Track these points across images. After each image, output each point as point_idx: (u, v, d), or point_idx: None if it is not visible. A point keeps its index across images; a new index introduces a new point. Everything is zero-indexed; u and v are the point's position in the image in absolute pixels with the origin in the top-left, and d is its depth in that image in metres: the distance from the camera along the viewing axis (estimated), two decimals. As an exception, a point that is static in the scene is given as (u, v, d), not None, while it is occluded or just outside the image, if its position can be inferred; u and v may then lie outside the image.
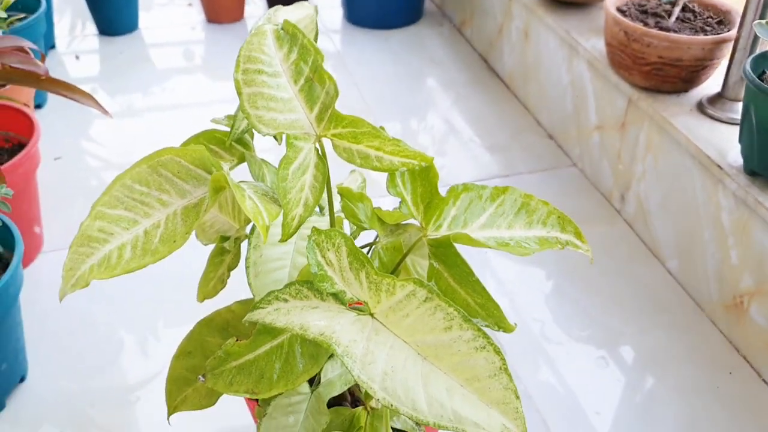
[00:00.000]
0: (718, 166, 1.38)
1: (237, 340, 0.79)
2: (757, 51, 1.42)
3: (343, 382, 0.84)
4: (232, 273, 0.96)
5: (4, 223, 1.24)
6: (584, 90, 1.80)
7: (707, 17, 1.59)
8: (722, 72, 1.53)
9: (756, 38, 1.43)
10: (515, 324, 0.78)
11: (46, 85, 1.35)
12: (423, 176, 0.77)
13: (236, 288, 0.98)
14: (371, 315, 0.67)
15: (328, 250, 0.69)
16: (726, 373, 1.37)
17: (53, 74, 2.25)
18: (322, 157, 0.75)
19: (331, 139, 0.75)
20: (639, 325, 1.46)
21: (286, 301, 0.70)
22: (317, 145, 0.75)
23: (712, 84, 1.58)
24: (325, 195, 0.81)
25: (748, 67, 1.29)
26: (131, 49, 2.48)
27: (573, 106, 1.86)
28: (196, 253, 1.03)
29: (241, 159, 0.91)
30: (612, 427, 1.27)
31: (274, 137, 0.84)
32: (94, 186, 1.84)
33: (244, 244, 0.95)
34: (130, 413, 1.28)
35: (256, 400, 0.94)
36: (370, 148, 0.74)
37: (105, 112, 1.41)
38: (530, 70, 2.06)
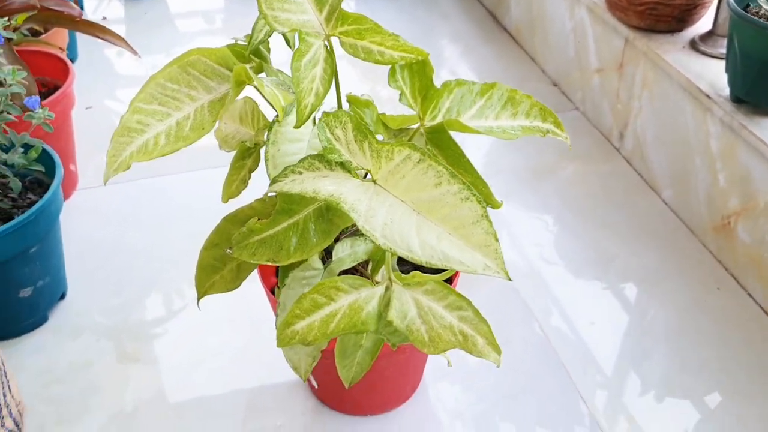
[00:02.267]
0: (707, 95, 1.47)
1: (258, 220, 0.90)
2: (745, -13, 1.50)
3: (351, 259, 0.95)
4: (252, 176, 1.07)
5: (45, 150, 1.36)
6: (585, 35, 1.89)
7: (700, -40, 1.67)
8: (714, 10, 1.62)
9: (744, -25, 1.51)
10: (502, 201, 0.88)
11: (81, 26, 1.47)
12: (420, 71, 0.88)
13: (256, 189, 1.08)
14: (373, 181, 0.78)
15: (336, 127, 0.79)
16: (714, 289, 1.46)
17: (81, 38, 2.38)
18: (330, 53, 0.85)
19: (339, 37, 0.85)
20: (633, 248, 1.56)
21: (300, 173, 0.81)
22: (326, 43, 0.85)
23: (705, 23, 1.67)
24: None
25: (731, 0, 1.37)
26: (154, 11, 2.59)
27: (575, 52, 1.95)
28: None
29: (259, 70, 1.01)
30: (606, 335, 1.38)
31: (287, 42, 0.95)
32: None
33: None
34: (166, 329, 1.40)
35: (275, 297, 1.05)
36: (372, 44, 0.84)
37: (134, 52, 1.52)
38: (535, 21, 2.15)
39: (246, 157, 1.06)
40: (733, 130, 1.41)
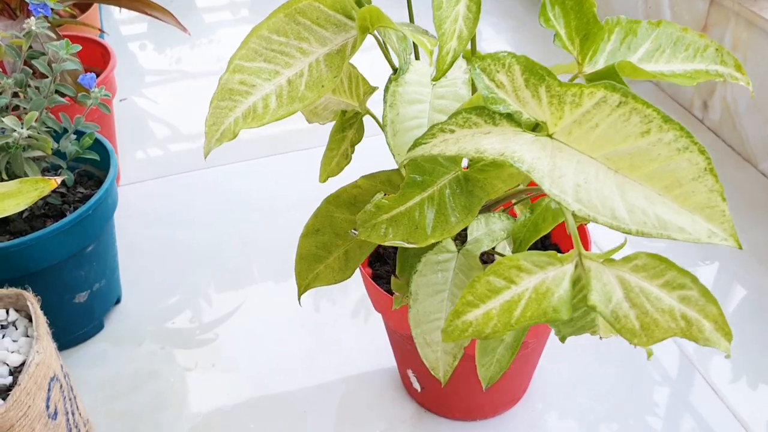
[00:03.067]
0: (820, 52, 1.33)
1: (385, 194, 0.76)
2: None
3: (490, 239, 0.80)
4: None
5: (98, 141, 1.21)
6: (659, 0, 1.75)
7: None
8: (812, -38, 1.48)
9: None
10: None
11: (127, 2, 1.33)
12: (577, 7, 0.73)
13: (355, 168, 0.94)
14: (549, 136, 0.64)
15: (497, 72, 0.65)
16: (837, 266, 1.32)
17: (106, 26, 2.24)
18: (473, -12, 0.71)
19: (483, -31, 0.71)
20: (739, 225, 1.42)
21: (452, 132, 0.66)
22: (467, -23, 0.71)
23: (799, -23, 1.53)
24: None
25: None
26: (181, 0, 2.46)
27: (645, 17, 1.81)
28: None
29: (366, 21, 0.87)
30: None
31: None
32: (156, 126, 1.82)
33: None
34: (233, 331, 1.26)
35: (389, 294, 0.91)
36: (526, -26, 0.70)
37: (184, 29, 1.38)
38: (593, -9, 2.01)
39: (346, 128, 0.92)
40: None
